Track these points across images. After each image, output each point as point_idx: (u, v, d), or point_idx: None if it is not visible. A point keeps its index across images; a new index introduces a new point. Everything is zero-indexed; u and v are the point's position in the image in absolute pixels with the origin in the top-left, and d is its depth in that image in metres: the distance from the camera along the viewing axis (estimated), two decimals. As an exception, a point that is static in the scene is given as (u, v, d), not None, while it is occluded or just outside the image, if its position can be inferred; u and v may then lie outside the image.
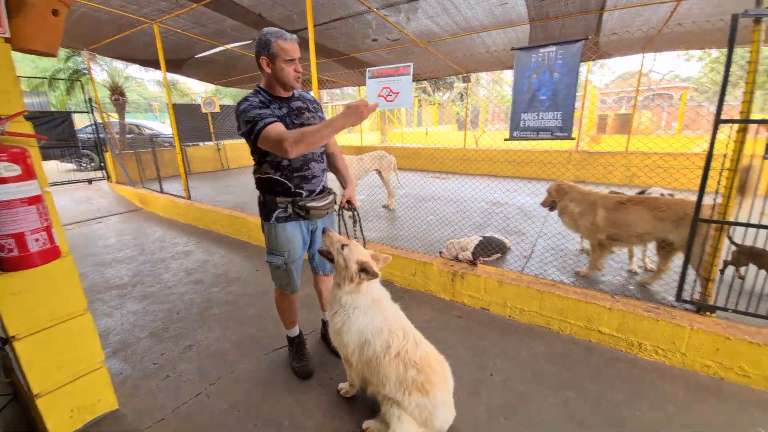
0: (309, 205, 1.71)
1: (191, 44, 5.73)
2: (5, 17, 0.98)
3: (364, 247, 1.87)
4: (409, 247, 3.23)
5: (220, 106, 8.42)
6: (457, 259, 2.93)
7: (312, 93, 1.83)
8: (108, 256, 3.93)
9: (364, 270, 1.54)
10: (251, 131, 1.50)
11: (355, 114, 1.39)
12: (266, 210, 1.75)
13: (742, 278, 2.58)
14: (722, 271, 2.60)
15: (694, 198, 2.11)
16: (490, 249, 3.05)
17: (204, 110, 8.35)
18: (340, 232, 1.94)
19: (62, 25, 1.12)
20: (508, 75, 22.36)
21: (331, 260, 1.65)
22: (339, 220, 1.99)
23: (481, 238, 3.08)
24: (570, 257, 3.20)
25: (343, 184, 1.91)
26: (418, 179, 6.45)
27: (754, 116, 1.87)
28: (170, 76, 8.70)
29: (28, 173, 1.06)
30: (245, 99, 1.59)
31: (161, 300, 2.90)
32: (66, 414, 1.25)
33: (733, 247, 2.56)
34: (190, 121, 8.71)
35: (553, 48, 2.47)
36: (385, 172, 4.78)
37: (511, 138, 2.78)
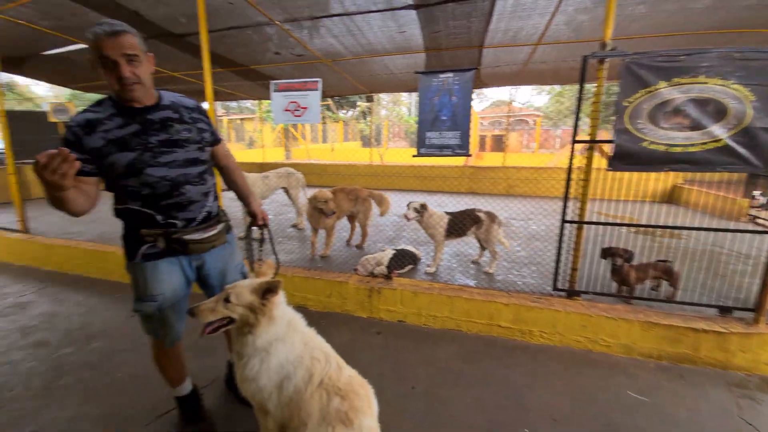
0: (187, 238, 1.37)
1: (38, 38, 4.53)
2: None
3: (277, 268, 1.65)
4: (323, 268, 3.10)
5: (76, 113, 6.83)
6: (372, 274, 2.92)
7: (202, 102, 1.55)
8: None
9: (267, 290, 1.30)
10: None
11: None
12: (129, 246, 1.39)
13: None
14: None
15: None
16: (403, 261, 3.14)
17: (53, 119, 6.67)
18: (250, 258, 1.71)
19: None
20: (405, 97, 24.31)
21: (228, 324, 1.33)
22: (249, 243, 1.73)
23: (394, 251, 3.15)
24: (469, 261, 3.52)
25: (244, 199, 1.68)
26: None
27: (600, 137, 2.38)
28: (5, 76, 6.74)
29: None
30: (79, 113, 1.26)
31: (-21, 376, 2.08)
32: None
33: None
34: (32, 133, 6.81)
35: (450, 74, 2.75)
36: (293, 190, 4.55)
37: (419, 155, 2.97)
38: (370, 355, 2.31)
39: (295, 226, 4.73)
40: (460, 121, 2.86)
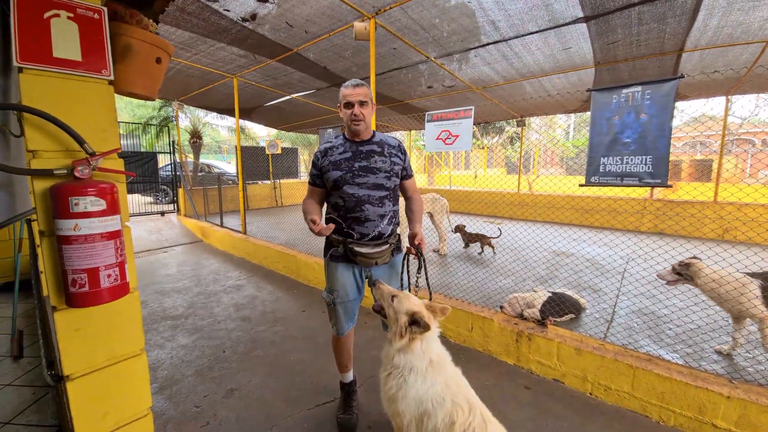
0: (356, 249, 1.67)
1: (261, 94, 6.38)
2: (110, 62, 1.06)
3: (430, 297, 1.70)
4: (465, 298, 2.95)
5: (281, 148, 9.09)
6: (521, 316, 2.59)
7: (395, 138, 1.84)
8: (168, 285, 4.13)
9: (415, 322, 1.35)
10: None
11: (313, 230, 1.56)
12: (326, 246, 1.81)
13: None
14: None
15: None
16: (561, 308, 2.66)
17: (267, 152, 9.07)
18: (403, 281, 1.79)
19: (163, 71, 1.20)
20: (562, 119, 21.85)
21: (385, 316, 1.49)
22: (404, 267, 1.82)
23: (550, 294, 2.72)
24: (665, 324, 2.68)
25: (411, 222, 1.82)
26: (469, 223, 6.16)
27: None
28: (240, 122, 9.74)
29: (113, 208, 1.07)
30: (324, 142, 1.80)
31: (210, 335, 2.89)
32: (104, 464, 1.15)
33: None
34: (253, 162, 9.48)
35: (639, 88, 2.27)
36: (438, 215, 4.62)
37: (588, 183, 2.52)
38: (518, 414, 2.00)
39: (436, 251, 4.77)
40: (652, 144, 2.30)
